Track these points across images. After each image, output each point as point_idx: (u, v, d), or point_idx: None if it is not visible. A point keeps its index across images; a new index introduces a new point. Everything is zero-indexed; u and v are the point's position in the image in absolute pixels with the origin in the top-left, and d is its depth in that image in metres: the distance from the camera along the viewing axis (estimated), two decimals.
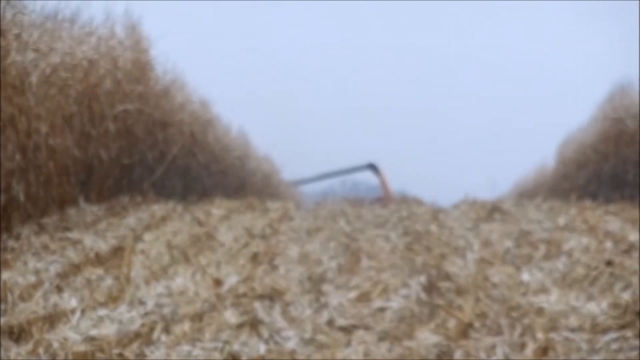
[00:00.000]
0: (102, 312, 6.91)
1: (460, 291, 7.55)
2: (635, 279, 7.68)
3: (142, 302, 7.18)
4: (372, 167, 31.90)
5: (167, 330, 6.47)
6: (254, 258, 9.13)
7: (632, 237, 10.01)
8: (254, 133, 23.94)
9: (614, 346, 6.05)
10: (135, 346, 6.13)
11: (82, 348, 6.06)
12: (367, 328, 6.57)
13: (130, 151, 14.47)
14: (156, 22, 16.04)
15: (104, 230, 10.78)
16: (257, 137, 24.46)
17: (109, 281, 8.05)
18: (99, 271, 8.47)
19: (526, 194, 23.37)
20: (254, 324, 6.52)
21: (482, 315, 6.75)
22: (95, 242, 9.89)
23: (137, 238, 10.30)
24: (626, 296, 7.11)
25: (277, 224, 11.72)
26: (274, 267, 8.71)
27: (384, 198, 27.69)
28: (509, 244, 9.82)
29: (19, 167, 10.43)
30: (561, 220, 11.54)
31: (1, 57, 10.25)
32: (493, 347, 6.08)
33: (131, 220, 11.72)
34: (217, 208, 13.24)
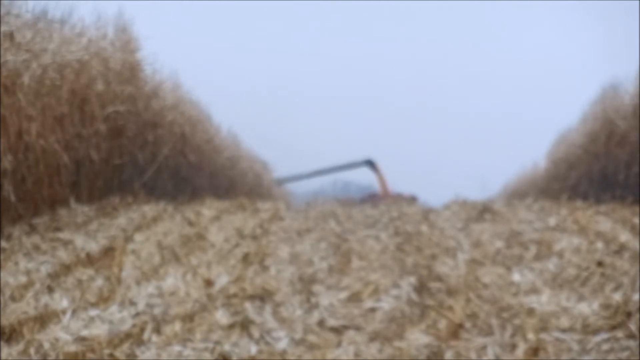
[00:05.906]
0: (93, 312, 6.90)
1: (450, 292, 7.56)
2: (626, 280, 7.70)
3: (132, 303, 7.18)
4: (370, 164, 31.73)
5: (157, 330, 6.47)
6: (245, 258, 9.13)
7: (623, 237, 10.03)
8: (245, 132, 23.97)
9: (605, 347, 6.06)
10: (126, 346, 6.12)
11: (73, 348, 6.06)
12: (357, 328, 6.57)
13: (121, 152, 14.46)
14: (147, 22, 16.04)
15: (94, 231, 10.76)
16: (249, 136, 24.50)
17: (99, 281, 8.04)
18: (90, 271, 8.46)
19: (517, 194, 23.37)
20: (245, 325, 6.53)
21: (473, 316, 6.76)
22: (86, 243, 9.87)
23: (128, 238, 10.29)
24: (617, 297, 7.12)
25: (268, 224, 11.71)
26: (265, 268, 8.71)
27: (379, 195, 27.70)
28: (499, 244, 9.83)
29: (10, 168, 10.40)
30: (552, 221, 11.55)
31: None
32: (484, 347, 6.09)
33: (122, 220, 11.71)
34: (208, 208, 13.23)
